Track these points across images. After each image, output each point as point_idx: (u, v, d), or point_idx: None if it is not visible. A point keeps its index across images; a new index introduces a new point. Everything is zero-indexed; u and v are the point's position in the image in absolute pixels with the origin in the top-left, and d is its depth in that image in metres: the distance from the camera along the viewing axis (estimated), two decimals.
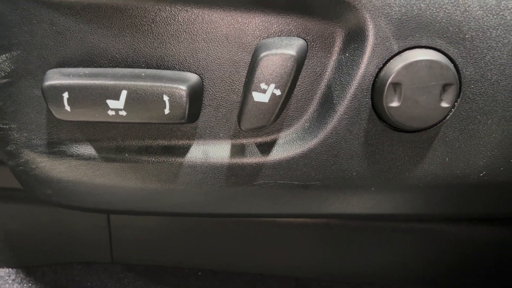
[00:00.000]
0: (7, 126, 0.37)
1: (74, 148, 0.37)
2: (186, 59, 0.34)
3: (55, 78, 0.33)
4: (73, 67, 0.34)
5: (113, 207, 0.40)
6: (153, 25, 0.33)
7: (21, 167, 0.39)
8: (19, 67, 0.35)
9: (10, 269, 0.56)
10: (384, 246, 0.57)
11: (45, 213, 0.54)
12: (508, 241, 0.54)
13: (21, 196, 0.53)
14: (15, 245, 0.57)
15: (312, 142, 0.35)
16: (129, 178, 0.38)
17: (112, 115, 0.33)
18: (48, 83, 0.33)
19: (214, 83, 0.35)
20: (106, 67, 0.34)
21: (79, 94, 0.33)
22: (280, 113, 0.33)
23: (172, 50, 0.34)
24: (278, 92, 0.32)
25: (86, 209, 0.41)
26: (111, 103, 0.33)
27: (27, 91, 0.35)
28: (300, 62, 0.32)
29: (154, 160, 0.37)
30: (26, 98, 0.36)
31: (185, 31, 0.33)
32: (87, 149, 0.37)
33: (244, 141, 0.37)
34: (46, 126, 0.37)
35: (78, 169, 0.38)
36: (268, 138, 0.36)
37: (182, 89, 0.32)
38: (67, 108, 0.33)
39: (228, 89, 0.35)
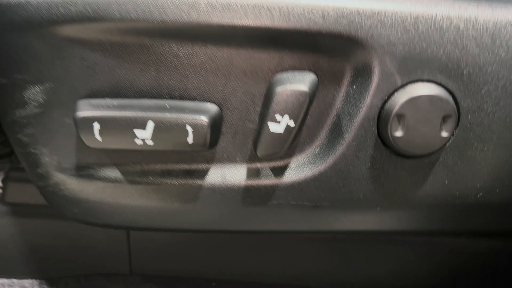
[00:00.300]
0: (39, 151, 0.40)
1: (102, 171, 0.40)
2: (206, 91, 0.37)
3: (86, 109, 0.36)
4: (101, 97, 0.37)
5: (136, 225, 0.43)
6: (176, 60, 0.36)
7: (50, 188, 0.42)
8: (51, 98, 0.37)
9: (34, 280, 0.59)
10: (387, 257, 0.60)
11: (67, 227, 0.57)
12: (503, 252, 0.57)
13: (46, 212, 0.56)
14: (39, 258, 0.60)
15: (322, 167, 0.38)
16: (152, 199, 0.41)
17: (140, 144, 0.36)
18: (80, 114, 0.36)
19: (232, 112, 0.38)
20: (132, 97, 0.37)
21: (109, 125, 0.35)
22: (293, 141, 0.36)
23: (193, 82, 0.37)
24: (292, 124, 0.35)
25: (110, 226, 0.44)
26: (138, 132, 0.36)
27: (58, 120, 0.38)
28: (312, 96, 0.35)
29: (175, 183, 0.40)
30: (57, 126, 0.38)
31: (205, 66, 0.36)
32: (114, 173, 0.40)
33: (259, 165, 0.39)
34: (76, 151, 0.39)
35: (104, 191, 0.41)
36: (281, 163, 0.39)
37: (203, 120, 0.35)
38: (98, 137, 0.36)
39: (245, 118, 0.38)
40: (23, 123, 0.38)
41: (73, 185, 0.41)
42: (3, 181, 0.57)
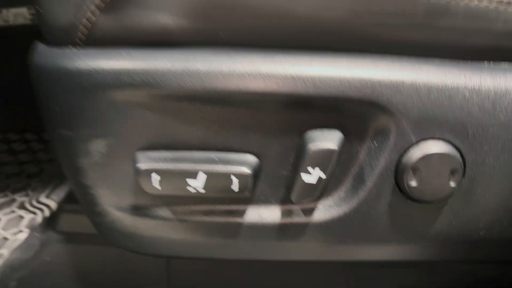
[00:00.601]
0: (98, 193, 0.45)
1: (155, 211, 0.46)
2: (247, 145, 0.42)
3: (145, 161, 0.42)
4: (156, 149, 0.43)
5: (182, 255, 0.49)
6: (223, 119, 0.42)
7: (106, 225, 0.48)
8: (112, 149, 0.43)
9: None
10: (395, 279, 0.66)
11: (110, 250, 0.63)
12: (505, 276, 0.63)
13: (91, 239, 0.62)
14: (84, 275, 0.66)
15: (346, 208, 0.44)
16: (197, 234, 0.47)
17: (193, 192, 0.42)
18: (141, 167, 0.41)
19: (269, 162, 0.43)
20: (182, 149, 0.43)
21: (166, 176, 0.41)
22: (323, 189, 0.42)
23: (236, 137, 0.42)
24: (323, 176, 0.41)
25: (159, 256, 0.50)
26: (191, 182, 0.42)
27: (117, 167, 0.44)
28: (339, 151, 0.41)
29: (218, 221, 0.46)
30: (116, 172, 0.44)
31: (247, 124, 0.42)
32: (165, 212, 0.46)
33: (291, 206, 0.45)
34: (132, 193, 0.45)
35: (156, 227, 0.47)
36: (311, 205, 0.45)
37: (247, 171, 0.41)
38: (157, 186, 0.42)
39: (280, 167, 0.44)
40: (85, 169, 0.44)
41: (128, 222, 0.47)
42: (52, 213, 0.63)
